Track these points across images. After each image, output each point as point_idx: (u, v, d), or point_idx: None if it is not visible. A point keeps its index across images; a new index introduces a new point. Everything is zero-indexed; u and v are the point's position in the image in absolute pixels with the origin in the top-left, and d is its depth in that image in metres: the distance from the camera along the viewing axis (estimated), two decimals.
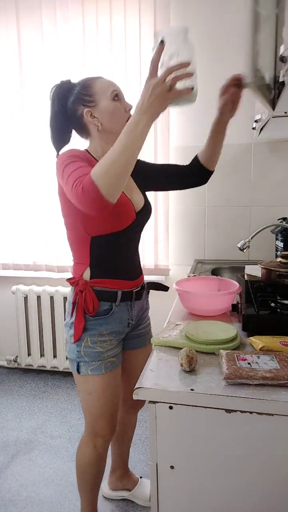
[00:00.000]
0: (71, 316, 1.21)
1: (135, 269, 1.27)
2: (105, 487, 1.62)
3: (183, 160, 2.15)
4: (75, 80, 1.20)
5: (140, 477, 1.65)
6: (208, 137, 1.30)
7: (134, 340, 1.36)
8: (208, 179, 1.38)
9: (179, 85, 0.89)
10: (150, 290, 1.39)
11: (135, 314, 1.29)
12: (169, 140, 2.15)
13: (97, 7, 2.10)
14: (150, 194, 2.19)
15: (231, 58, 2.01)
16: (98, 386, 1.21)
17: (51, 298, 2.45)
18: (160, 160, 2.16)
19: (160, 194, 2.19)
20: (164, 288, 1.41)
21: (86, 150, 1.20)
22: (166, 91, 0.89)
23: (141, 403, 1.51)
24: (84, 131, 1.19)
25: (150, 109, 0.90)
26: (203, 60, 2.07)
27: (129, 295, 1.23)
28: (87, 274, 1.19)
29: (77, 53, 2.18)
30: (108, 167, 0.91)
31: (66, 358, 1.26)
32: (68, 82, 1.19)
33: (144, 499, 1.57)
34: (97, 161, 1.16)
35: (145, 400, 1.46)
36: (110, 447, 1.57)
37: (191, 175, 1.36)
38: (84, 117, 1.15)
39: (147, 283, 1.36)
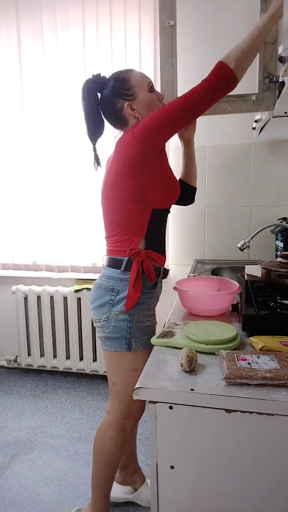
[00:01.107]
0: (118, 291, 1.21)
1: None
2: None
3: None
4: (93, 72, 1.25)
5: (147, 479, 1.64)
6: (182, 161, 1.48)
7: None
8: (194, 196, 1.51)
9: None
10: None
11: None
12: (169, 140, 2.14)
13: (97, 11, 2.10)
14: None
15: None
16: (145, 360, 1.17)
17: (51, 298, 2.46)
18: None
19: None
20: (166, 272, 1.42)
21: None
22: None
23: None
24: (122, 123, 1.25)
25: (278, 14, 1.10)
26: (203, 60, 2.07)
27: (165, 272, 1.32)
28: (142, 245, 1.24)
29: (77, 56, 2.18)
30: (242, 54, 1.09)
31: (104, 340, 1.25)
32: (100, 76, 1.24)
33: (148, 500, 1.55)
34: None
35: None
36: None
37: (181, 194, 1.42)
38: (124, 110, 1.21)
39: None
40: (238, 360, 0.86)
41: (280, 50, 0.89)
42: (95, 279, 2.36)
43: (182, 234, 2.26)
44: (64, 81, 2.22)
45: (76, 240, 2.38)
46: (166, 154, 1.27)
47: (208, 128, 2.12)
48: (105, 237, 1.31)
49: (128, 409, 1.26)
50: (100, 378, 2.55)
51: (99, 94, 1.25)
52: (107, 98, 1.22)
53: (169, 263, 2.29)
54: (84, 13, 2.12)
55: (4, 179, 2.45)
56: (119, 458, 1.32)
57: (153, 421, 0.83)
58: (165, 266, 1.41)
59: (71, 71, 2.20)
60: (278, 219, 2.03)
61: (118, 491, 1.58)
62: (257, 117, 1.68)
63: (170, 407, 0.82)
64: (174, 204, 1.43)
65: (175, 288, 1.28)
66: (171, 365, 0.92)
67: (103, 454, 1.31)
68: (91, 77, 1.23)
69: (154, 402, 0.82)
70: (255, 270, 1.58)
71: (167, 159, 1.27)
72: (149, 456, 0.86)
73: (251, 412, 0.77)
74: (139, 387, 0.82)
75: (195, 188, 1.50)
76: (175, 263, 2.30)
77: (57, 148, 2.31)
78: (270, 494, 0.80)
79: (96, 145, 1.31)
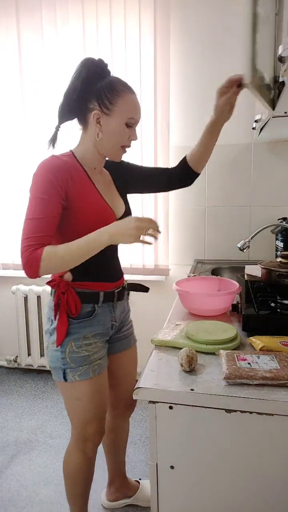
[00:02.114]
0: (52, 321, 1.17)
1: (116, 271, 1.26)
2: (104, 499, 1.58)
3: None
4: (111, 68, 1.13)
5: (140, 479, 1.64)
6: (200, 139, 1.29)
7: (119, 343, 1.33)
8: (193, 181, 1.38)
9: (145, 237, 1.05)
10: (138, 292, 1.36)
11: (118, 315, 1.26)
12: (169, 140, 2.15)
13: (97, 8, 2.10)
14: (150, 195, 2.19)
15: (231, 58, 2.02)
16: (87, 390, 1.17)
17: None
18: (160, 160, 2.16)
19: (160, 194, 2.19)
20: (145, 289, 1.37)
21: (72, 151, 1.16)
22: (139, 236, 1.02)
23: (131, 408, 1.47)
24: (83, 124, 1.14)
25: (118, 237, 1.03)
26: (203, 60, 2.07)
27: (111, 296, 1.21)
28: (68, 276, 1.15)
29: (77, 54, 2.18)
30: (58, 261, 1.02)
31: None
32: (103, 64, 1.10)
33: (147, 499, 1.55)
34: (80, 164, 1.13)
35: (135, 405, 1.46)
36: (105, 458, 1.55)
37: (177, 176, 1.35)
38: (91, 114, 1.09)
39: (128, 284, 1.33)
40: (238, 360, 0.86)
41: (280, 50, 0.89)
42: None
43: (182, 234, 2.26)
44: (63, 76, 2.22)
45: None
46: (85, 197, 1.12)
47: None
48: None
49: (83, 434, 1.23)
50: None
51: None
52: (88, 87, 1.07)
53: (169, 263, 2.29)
54: (84, 6, 2.12)
55: (4, 179, 2.45)
56: (86, 476, 1.30)
57: (153, 421, 0.83)
58: (131, 281, 1.34)
59: (71, 66, 2.19)
60: (278, 219, 2.03)
61: (114, 505, 1.58)
62: (257, 117, 1.68)
63: (170, 407, 0.82)
64: (171, 189, 1.38)
65: (175, 288, 1.28)
66: (171, 365, 0.92)
67: (68, 474, 1.30)
68: (95, 59, 1.09)
69: (154, 402, 0.82)
70: (255, 270, 1.58)
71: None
72: (149, 456, 0.86)
73: (251, 412, 0.77)
74: (139, 387, 0.82)
75: (198, 174, 1.35)
76: (175, 263, 2.30)
77: (57, 147, 2.31)
78: (270, 494, 0.80)
79: (60, 127, 1.17)
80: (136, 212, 2.22)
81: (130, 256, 2.30)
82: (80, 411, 1.20)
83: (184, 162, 1.34)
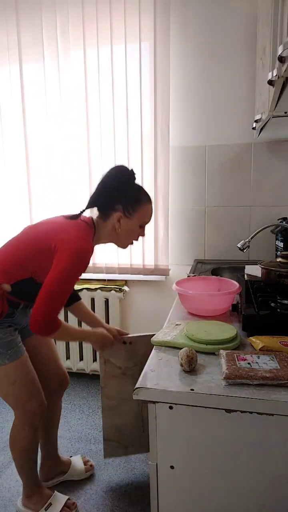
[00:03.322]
0: None
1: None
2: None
3: (183, 160, 2.17)
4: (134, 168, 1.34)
5: (70, 457, 1.75)
6: (82, 313, 1.59)
7: (25, 329, 1.43)
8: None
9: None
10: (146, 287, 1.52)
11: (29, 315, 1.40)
12: (169, 140, 2.15)
13: (97, 8, 2.10)
14: (151, 194, 2.19)
15: (230, 58, 2.02)
16: (20, 370, 1.32)
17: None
18: (160, 160, 2.16)
19: (160, 194, 2.19)
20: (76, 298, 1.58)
21: (94, 230, 1.33)
22: (103, 349, 1.44)
23: (63, 384, 1.60)
24: (104, 216, 1.32)
25: (95, 344, 1.41)
26: (202, 60, 2.07)
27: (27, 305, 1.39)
28: (7, 288, 1.28)
29: (77, 55, 2.18)
30: (60, 336, 1.25)
31: None
32: (134, 175, 1.31)
33: (80, 473, 1.67)
34: (91, 245, 1.28)
35: (68, 381, 1.61)
36: (40, 440, 1.61)
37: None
38: (115, 214, 1.29)
39: None
40: (238, 360, 0.86)
41: (280, 50, 0.89)
42: (94, 279, 2.38)
43: (182, 234, 2.26)
44: (64, 80, 2.22)
45: None
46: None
47: (208, 128, 2.12)
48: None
49: (28, 410, 1.36)
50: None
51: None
52: (119, 193, 1.29)
53: (169, 263, 2.29)
54: (84, 9, 2.12)
55: (4, 179, 2.45)
56: (36, 445, 1.45)
57: (153, 421, 0.83)
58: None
59: (71, 70, 2.20)
60: (278, 219, 2.03)
61: (49, 484, 1.64)
62: (257, 117, 1.68)
63: (170, 407, 0.82)
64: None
65: (175, 288, 1.28)
66: (171, 365, 0.92)
67: (19, 451, 1.41)
68: (129, 169, 1.30)
69: (154, 402, 0.82)
70: (255, 270, 1.59)
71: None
72: (149, 456, 0.86)
73: (251, 412, 0.77)
74: (139, 387, 0.82)
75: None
76: (175, 263, 2.30)
77: (56, 147, 2.31)
78: (270, 493, 0.80)
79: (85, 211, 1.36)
80: None
81: (130, 256, 2.30)
82: (18, 391, 1.33)
83: (74, 300, 1.56)
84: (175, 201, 2.23)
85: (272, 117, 1.30)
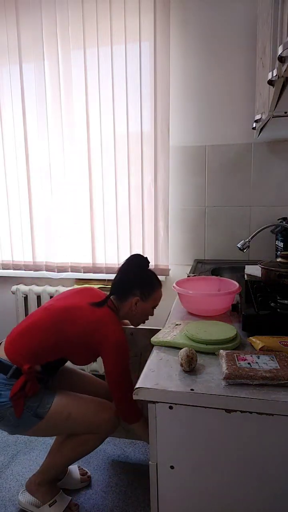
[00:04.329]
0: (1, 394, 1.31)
1: None
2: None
3: (183, 159, 2.17)
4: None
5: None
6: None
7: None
8: None
9: None
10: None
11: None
12: (169, 140, 2.15)
13: (96, 8, 2.10)
14: (150, 194, 2.19)
15: (230, 58, 2.02)
16: (64, 402, 1.37)
17: (51, 298, 2.45)
18: (160, 160, 2.16)
19: (160, 194, 2.19)
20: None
21: (117, 313, 1.45)
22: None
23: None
24: (122, 298, 1.45)
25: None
26: (202, 60, 2.07)
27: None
28: (38, 368, 1.35)
29: (77, 55, 2.18)
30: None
31: (12, 429, 1.38)
32: (149, 263, 1.49)
33: (75, 483, 1.64)
34: (123, 331, 1.38)
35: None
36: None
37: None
38: (132, 297, 1.44)
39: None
40: (238, 360, 0.86)
41: (280, 50, 0.89)
42: (95, 279, 2.38)
43: (182, 234, 2.26)
44: (64, 80, 2.22)
45: (76, 240, 2.38)
46: None
47: (208, 128, 2.12)
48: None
49: (101, 420, 1.41)
50: (100, 378, 2.54)
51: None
52: (137, 281, 1.44)
53: (169, 263, 2.29)
54: (84, 9, 2.11)
55: (4, 179, 2.45)
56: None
57: (153, 421, 0.83)
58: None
59: (71, 70, 2.20)
60: (278, 219, 2.03)
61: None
62: (257, 117, 1.68)
63: (170, 407, 0.82)
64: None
65: (175, 288, 1.28)
66: (171, 365, 0.92)
67: (79, 454, 1.46)
68: (144, 257, 1.47)
69: (154, 402, 0.82)
70: (255, 270, 1.59)
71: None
72: (149, 456, 0.86)
73: (251, 412, 0.77)
74: (139, 387, 0.82)
75: None
76: (175, 263, 2.30)
77: (56, 147, 2.31)
78: (270, 493, 0.80)
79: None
80: (136, 212, 2.23)
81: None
82: (81, 421, 1.38)
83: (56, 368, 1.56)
84: (175, 201, 2.23)
85: (272, 117, 1.30)
